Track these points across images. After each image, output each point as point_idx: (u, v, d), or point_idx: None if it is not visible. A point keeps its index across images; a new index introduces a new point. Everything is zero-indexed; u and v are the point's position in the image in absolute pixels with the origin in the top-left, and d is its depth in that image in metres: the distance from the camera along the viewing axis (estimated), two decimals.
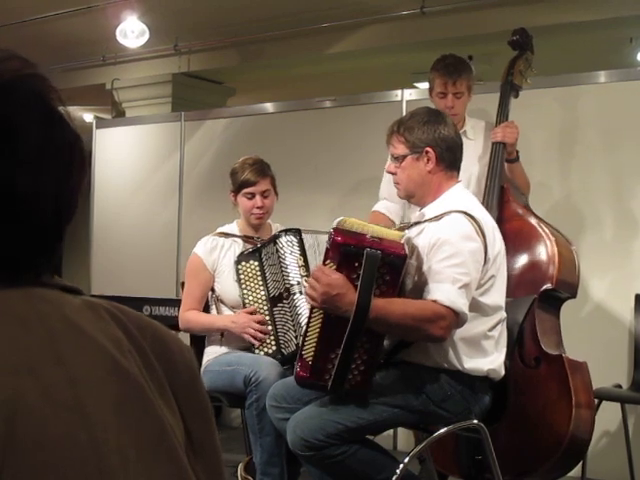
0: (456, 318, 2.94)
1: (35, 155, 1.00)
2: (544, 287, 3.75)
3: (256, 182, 3.91)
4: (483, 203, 3.91)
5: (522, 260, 3.85)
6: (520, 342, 3.63)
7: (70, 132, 1.05)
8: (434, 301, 2.94)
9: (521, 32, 4.32)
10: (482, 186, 4.20)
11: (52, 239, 1.03)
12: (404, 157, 3.21)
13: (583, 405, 3.57)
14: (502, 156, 4.09)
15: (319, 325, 2.98)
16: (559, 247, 3.81)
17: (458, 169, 3.28)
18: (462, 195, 3.25)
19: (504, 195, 4.02)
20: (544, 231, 3.86)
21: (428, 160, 3.17)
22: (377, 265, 2.87)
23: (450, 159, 3.21)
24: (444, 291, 2.94)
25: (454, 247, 2.99)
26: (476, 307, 3.07)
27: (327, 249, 2.99)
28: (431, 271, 3.00)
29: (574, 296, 3.91)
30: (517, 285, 3.65)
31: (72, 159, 1.04)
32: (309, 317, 3.04)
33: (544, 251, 3.82)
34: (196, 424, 1.08)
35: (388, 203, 4.26)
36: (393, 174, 3.29)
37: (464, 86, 4.21)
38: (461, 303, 2.94)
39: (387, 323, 2.93)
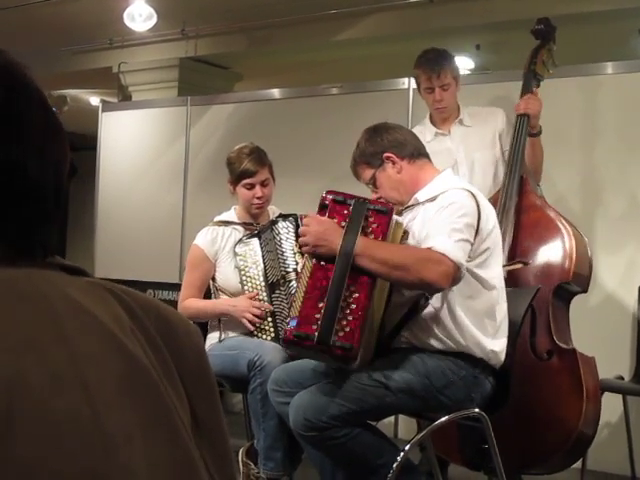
0: (453, 265, 2.91)
1: (40, 139, 1.03)
2: (561, 281, 3.76)
3: (255, 172, 3.87)
4: (502, 190, 3.93)
5: (539, 252, 3.85)
6: (533, 333, 3.64)
7: (58, 118, 1.09)
8: (428, 248, 2.96)
9: (545, 22, 4.31)
10: (486, 173, 4.21)
11: (55, 220, 1.07)
12: (374, 176, 3.33)
13: (592, 400, 3.59)
14: (526, 129, 4.09)
15: (308, 276, 3.01)
16: (576, 242, 3.82)
17: (425, 154, 3.37)
18: (454, 178, 3.38)
19: (524, 185, 4.02)
20: (562, 224, 3.86)
21: (393, 163, 3.29)
22: (365, 209, 3.03)
23: (409, 150, 3.32)
24: (439, 241, 2.96)
25: (448, 210, 3.04)
26: (475, 278, 3.11)
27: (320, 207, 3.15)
28: (428, 233, 3.05)
29: (585, 291, 3.93)
30: (534, 277, 3.66)
31: (65, 143, 1.09)
32: (299, 277, 3.13)
33: (562, 245, 3.82)
34: (202, 406, 1.08)
35: None
36: (380, 197, 3.37)
37: (449, 77, 4.26)
38: (458, 255, 2.93)
39: (374, 258, 2.95)
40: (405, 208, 3.29)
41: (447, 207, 3.05)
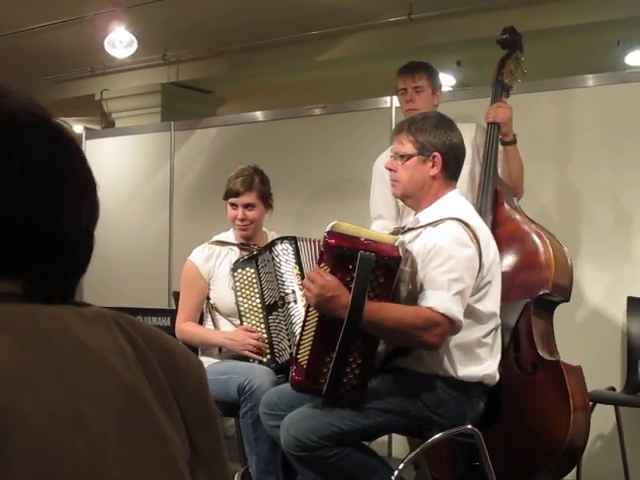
0: (451, 325, 2.94)
1: (76, 194, 1.06)
2: (540, 292, 3.75)
3: (239, 193, 3.91)
4: (477, 206, 3.90)
5: (517, 264, 3.83)
6: (517, 347, 3.63)
7: (92, 173, 1.11)
8: (429, 308, 2.94)
9: (510, 30, 4.30)
10: (465, 189, 4.19)
11: (80, 271, 1.09)
12: (410, 157, 3.18)
13: (579, 409, 3.57)
14: (497, 137, 4.07)
15: (314, 328, 3.00)
16: (554, 251, 3.80)
17: (457, 179, 3.28)
18: (457, 201, 3.25)
19: (497, 198, 4.00)
20: (539, 234, 3.85)
21: (434, 165, 3.16)
22: (371, 267, 2.89)
23: (454, 168, 3.22)
24: (439, 298, 2.94)
25: (448, 254, 2.99)
26: (471, 314, 3.07)
27: (321, 252, 3.03)
28: (426, 278, 3.00)
29: (567, 300, 3.91)
30: (512, 289, 3.64)
31: (97, 198, 1.11)
32: (304, 320, 3.07)
33: (539, 255, 3.81)
34: (202, 437, 1.08)
35: (385, 222, 4.20)
36: (392, 171, 3.25)
37: (423, 80, 4.26)
38: (456, 310, 2.94)
39: (381, 327, 2.95)
40: (406, 230, 3.23)
41: (442, 250, 2.99)
